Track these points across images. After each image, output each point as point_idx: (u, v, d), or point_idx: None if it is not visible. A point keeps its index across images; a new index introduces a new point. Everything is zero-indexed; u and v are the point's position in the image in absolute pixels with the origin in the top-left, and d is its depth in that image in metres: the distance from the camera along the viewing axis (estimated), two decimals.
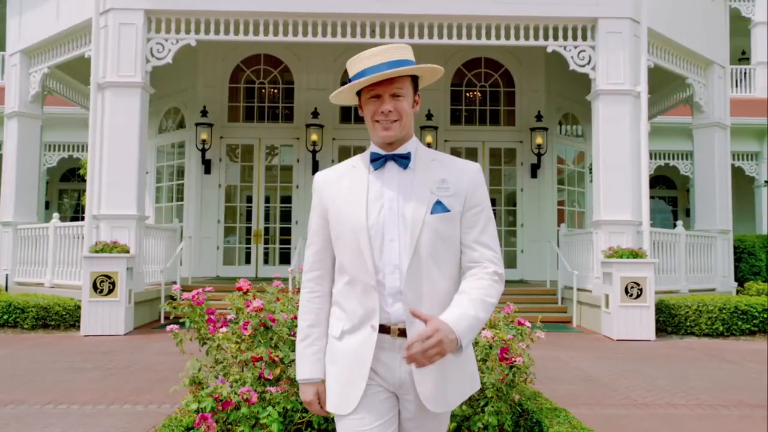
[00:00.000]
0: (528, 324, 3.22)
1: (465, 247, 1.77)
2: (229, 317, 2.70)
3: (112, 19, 8.55)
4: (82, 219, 18.97)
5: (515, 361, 2.74)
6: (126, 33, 8.54)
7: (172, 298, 9.70)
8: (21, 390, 4.82)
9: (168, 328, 2.81)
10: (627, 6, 8.76)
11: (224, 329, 2.56)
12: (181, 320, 2.87)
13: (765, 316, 8.11)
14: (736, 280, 10.96)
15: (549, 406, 3.07)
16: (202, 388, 2.42)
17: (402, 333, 1.70)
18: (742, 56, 20.79)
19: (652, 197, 21.24)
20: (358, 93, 1.83)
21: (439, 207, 1.73)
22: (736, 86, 19.15)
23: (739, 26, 19.24)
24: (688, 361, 6.46)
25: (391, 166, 1.79)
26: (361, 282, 1.72)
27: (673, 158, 18.19)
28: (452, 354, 1.58)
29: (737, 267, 11.10)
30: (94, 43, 8.60)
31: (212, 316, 2.65)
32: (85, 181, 19.35)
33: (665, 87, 11.41)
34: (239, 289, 2.87)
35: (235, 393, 2.29)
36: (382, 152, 1.79)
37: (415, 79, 1.83)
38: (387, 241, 1.71)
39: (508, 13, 8.73)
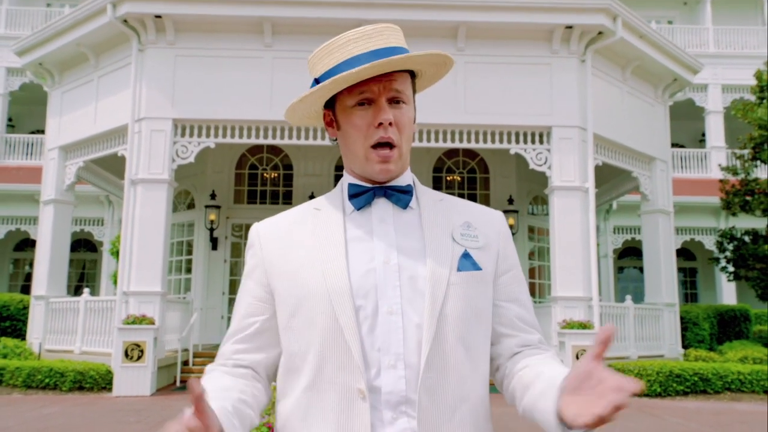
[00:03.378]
0: None
1: (511, 329, 1.26)
2: None
3: (145, 126, 10.17)
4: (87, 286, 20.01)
5: None
6: (156, 137, 10.16)
7: (185, 363, 11.03)
8: None
9: None
10: (575, 117, 10.50)
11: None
12: None
13: (696, 379, 9.54)
14: (684, 347, 12.40)
15: None
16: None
17: None
18: (702, 137, 22.81)
19: (626, 267, 22.93)
20: (329, 104, 1.28)
21: (467, 262, 1.21)
22: (697, 166, 21.14)
23: (698, 112, 21.37)
24: (621, 415, 7.84)
25: (381, 204, 1.24)
26: (337, 385, 1.12)
27: (640, 233, 19.83)
28: None
29: (684, 335, 12.54)
30: (129, 145, 10.19)
31: None
32: (94, 252, 20.73)
33: (618, 177, 13.14)
34: None
35: None
36: (367, 184, 1.25)
37: (411, 79, 1.29)
38: (383, 314, 1.13)
39: (477, 121, 10.45)
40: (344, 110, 1.23)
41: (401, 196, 1.24)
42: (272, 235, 1.27)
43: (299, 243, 1.23)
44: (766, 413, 8.12)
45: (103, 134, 10.98)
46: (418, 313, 1.15)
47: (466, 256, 1.21)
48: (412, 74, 1.29)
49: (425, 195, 1.30)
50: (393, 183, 1.26)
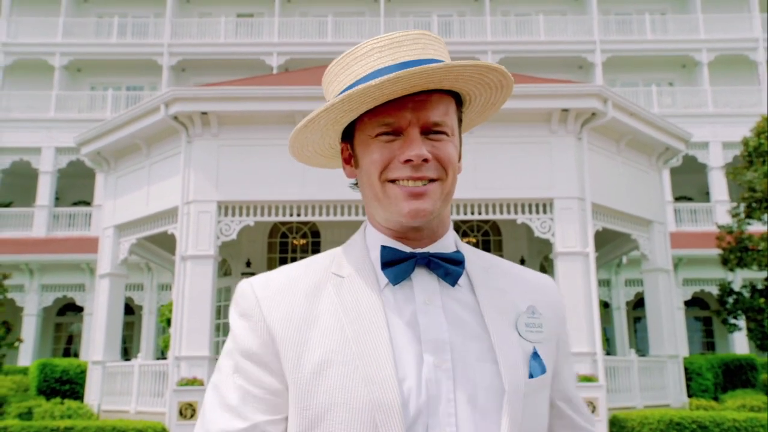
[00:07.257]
0: None
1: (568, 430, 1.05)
2: None
3: (194, 208, 11.55)
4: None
5: None
6: (203, 218, 11.52)
7: None
8: None
9: None
10: (574, 189, 11.71)
11: None
12: None
13: (694, 426, 10.44)
14: (689, 396, 13.25)
15: None
16: None
17: None
18: (709, 190, 23.87)
19: (642, 317, 23.72)
20: (348, 136, 1.00)
21: (536, 364, 0.95)
22: (705, 220, 22.20)
23: (703, 166, 22.53)
24: None
25: (423, 277, 0.95)
26: None
27: None
28: None
29: (689, 385, 13.40)
30: (179, 225, 11.55)
31: None
32: (131, 314, 22.03)
33: (619, 238, 14.24)
34: None
35: None
36: (405, 248, 0.96)
37: (458, 107, 1.00)
38: None
39: (486, 196, 11.70)
40: (364, 142, 0.96)
41: (450, 267, 0.94)
42: (280, 303, 0.95)
43: (323, 324, 0.92)
44: None
45: (154, 215, 12.37)
46: None
47: (535, 356, 0.94)
48: (458, 100, 1.00)
49: (473, 264, 0.99)
50: (435, 248, 0.96)
